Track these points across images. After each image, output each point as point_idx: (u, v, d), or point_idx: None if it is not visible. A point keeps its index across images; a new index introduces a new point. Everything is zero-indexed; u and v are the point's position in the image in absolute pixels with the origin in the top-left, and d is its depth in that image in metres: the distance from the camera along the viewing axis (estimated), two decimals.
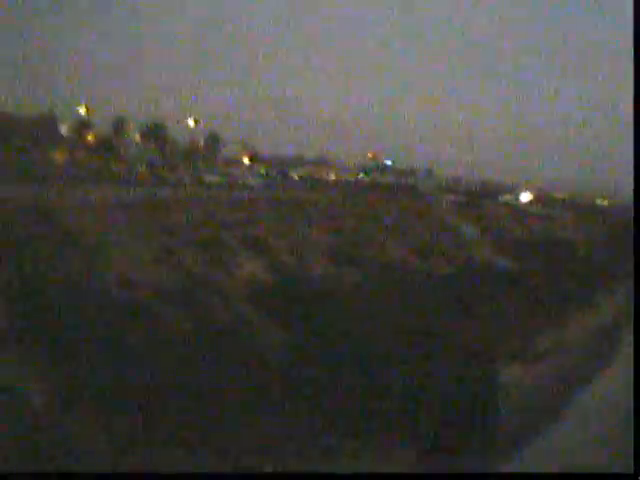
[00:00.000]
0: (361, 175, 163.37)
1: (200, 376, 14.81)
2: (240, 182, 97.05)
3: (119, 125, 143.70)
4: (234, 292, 26.44)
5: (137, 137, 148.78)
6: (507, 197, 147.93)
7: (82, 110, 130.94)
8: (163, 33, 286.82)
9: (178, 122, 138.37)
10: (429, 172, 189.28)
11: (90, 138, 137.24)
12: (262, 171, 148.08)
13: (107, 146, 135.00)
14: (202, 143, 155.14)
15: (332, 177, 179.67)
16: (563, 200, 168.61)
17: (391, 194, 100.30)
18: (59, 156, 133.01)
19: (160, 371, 15.82)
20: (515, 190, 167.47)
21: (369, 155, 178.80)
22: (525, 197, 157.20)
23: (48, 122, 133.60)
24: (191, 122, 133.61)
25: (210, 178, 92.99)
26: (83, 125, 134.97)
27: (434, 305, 26.25)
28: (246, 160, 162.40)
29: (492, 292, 27.00)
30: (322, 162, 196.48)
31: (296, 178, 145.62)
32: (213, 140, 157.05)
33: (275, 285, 33.49)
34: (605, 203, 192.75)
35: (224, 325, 17.46)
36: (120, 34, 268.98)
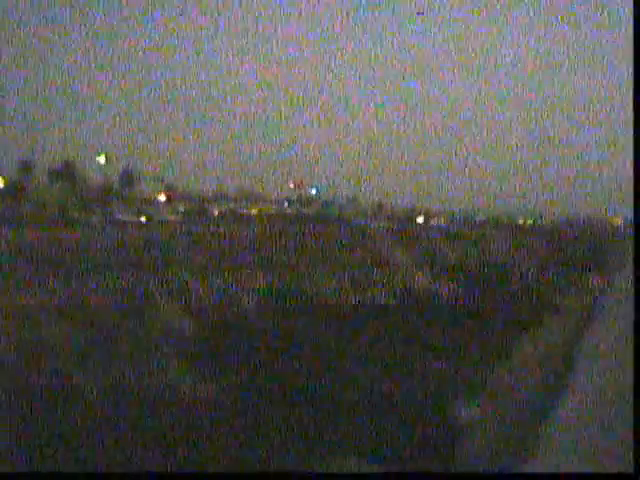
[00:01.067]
0: (285, 205, 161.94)
1: None
2: (156, 220, 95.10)
3: (25, 167, 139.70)
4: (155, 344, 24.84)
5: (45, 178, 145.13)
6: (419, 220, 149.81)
7: None
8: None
9: (87, 161, 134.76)
10: (353, 200, 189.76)
11: None
12: (180, 208, 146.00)
13: (14, 188, 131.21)
14: (115, 181, 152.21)
15: (254, 211, 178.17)
16: (485, 221, 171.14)
17: (317, 223, 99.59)
18: None
19: None
20: (428, 214, 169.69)
21: (291, 185, 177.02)
22: (421, 220, 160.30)
23: None
24: (102, 159, 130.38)
25: (124, 217, 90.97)
26: None
27: (375, 339, 25.54)
28: (162, 197, 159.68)
29: (436, 321, 25.87)
30: (244, 196, 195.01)
31: (215, 214, 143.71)
32: (127, 177, 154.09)
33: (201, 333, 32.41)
34: (528, 222, 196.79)
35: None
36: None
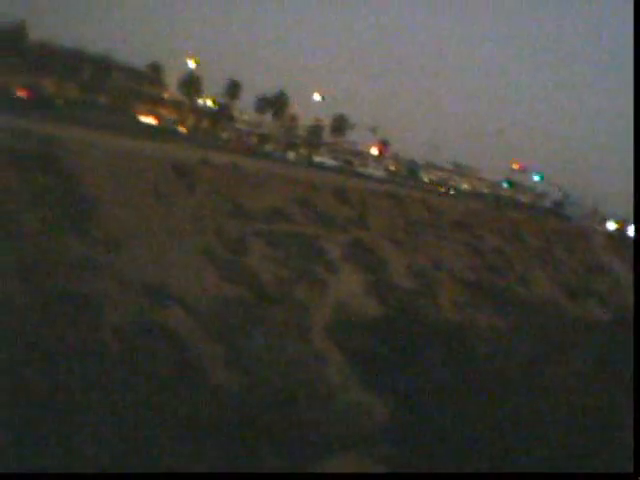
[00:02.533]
0: (505, 185, 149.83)
1: None
2: (360, 170, 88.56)
3: (233, 89, 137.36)
4: None
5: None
6: None
7: (191, 63, 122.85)
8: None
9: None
10: (579, 199, 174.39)
11: (200, 99, 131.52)
12: (389, 167, 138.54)
13: (219, 111, 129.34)
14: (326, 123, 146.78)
15: (465, 186, 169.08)
16: None
17: (539, 215, 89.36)
18: (165, 113, 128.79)
19: None
20: None
21: (514, 165, 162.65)
22: None
23: (154, 72, 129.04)
24: (317, 97, 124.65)
25: (325, 162, 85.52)
26: (193, 81, 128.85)
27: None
28: (374, 151, 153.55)
29: None
30: (456, 169, 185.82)
31: (426, 180, 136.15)
32: (340, 122, 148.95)
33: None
34: None
35: None
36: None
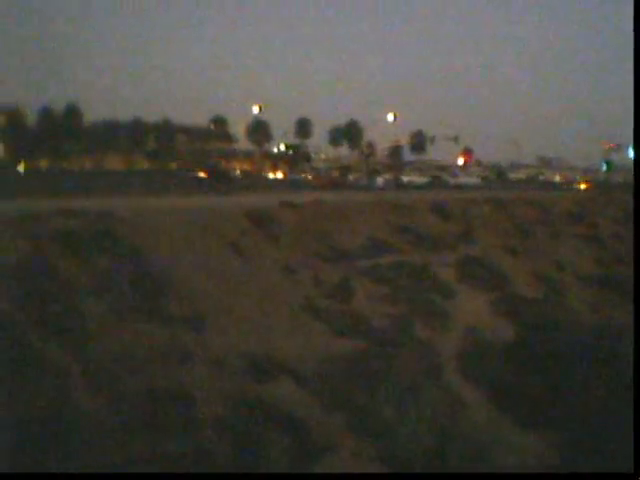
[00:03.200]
0: (604, 168, 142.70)
1: None
2: (453, 182, 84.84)
3: (304, 128, 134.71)
4: None
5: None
6: None
7: (255, 109, 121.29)
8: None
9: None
10: None
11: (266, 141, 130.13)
12: (476, 174, 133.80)
13: (293, 149, 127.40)
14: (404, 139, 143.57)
15: (557, 178, 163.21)
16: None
17: None
18: (241, 166, 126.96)
19: None
20: None
21: (606, 146, 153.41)
22: None
23: (218, 126, 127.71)
24: (390, 117, 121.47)
25: (415, 179, 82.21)
26: (260, 127, 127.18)
27: None
28: (460, 160, 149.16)
29: None
30: (543, 164, 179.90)
31: (516, 179, 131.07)
32: (419, 137, 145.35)
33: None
34: None
35: None
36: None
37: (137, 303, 21.45)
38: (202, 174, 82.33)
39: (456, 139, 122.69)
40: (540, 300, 36.90)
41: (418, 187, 72.74)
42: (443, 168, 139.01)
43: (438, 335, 28.37)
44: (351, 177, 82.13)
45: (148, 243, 24.31)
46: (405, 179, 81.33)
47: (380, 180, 72.20)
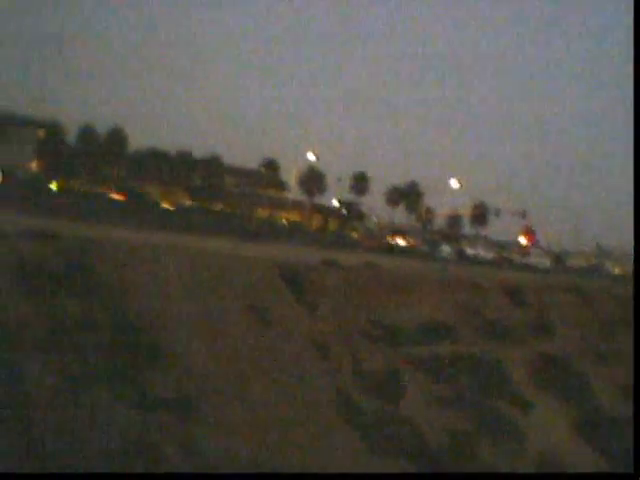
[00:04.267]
0: None
1: None
2: (521, 261, 78.59)
3: (361, 183, 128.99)
4: None
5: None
6: None
7: (311, 156, 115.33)
8: None
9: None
10: None
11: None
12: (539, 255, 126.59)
13: (346, 206, 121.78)
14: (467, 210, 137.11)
15: (617, 270, 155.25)
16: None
17: None
18: (290, 216, 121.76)
19: None
20: None
21: None
22: None
23: (269, 170, 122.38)
24: (455, 183, 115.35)
25: (480, 253, 76.27)
26: (314, 176, 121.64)
27: None
28: (522, 240, 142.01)
29: None
30: (601, 253, 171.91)
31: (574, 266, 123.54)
32: (482, 209, 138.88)
33: None
34: None
35: None
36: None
37: (108, 374, 15.79)
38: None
39: (524, 214, 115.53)
40: (629, 420, 30.35)
41: (483, 262, 66.62)
42: (502, 245, 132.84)
43: (507, 461, 22.04)
44: (410, 242, 75.87)
45: (139, 294, 18.60)
46: (470, 252, 75.09)
47: (446, 249, 65.53)
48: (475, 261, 67.19)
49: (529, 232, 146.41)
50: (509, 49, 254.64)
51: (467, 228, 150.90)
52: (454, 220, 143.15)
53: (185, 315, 18.69)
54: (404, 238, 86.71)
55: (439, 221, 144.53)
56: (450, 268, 43.86)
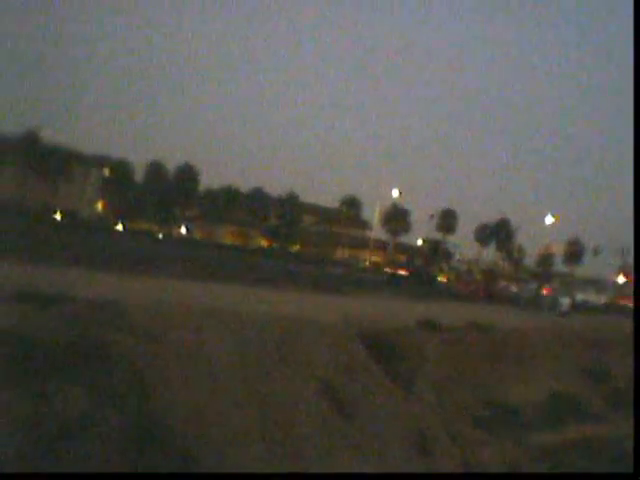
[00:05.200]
0: None
1: None
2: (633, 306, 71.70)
3: (448, 219, 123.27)
4: None
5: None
6: None
7: (395, 192, 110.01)
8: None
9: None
10: None
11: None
12: None
13: (433, 246, 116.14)
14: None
15: None
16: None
17: None
18: (372, 257, 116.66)
19: None
20: None
21: None
22: None
23: (349, 208, 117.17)
24: (549, 220, 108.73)
25: (591, 298, 69.83)
26: (398, 214, 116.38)
27: None
28: (620, 279, 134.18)
29: None
30: None
31: None
32: (576, 246, 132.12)
33: None
34: None
35: None
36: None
37: None
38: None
39: (625, 252, 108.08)
40: None
41: (594, 309, 60.28)
42: (600, 284, 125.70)
43: None
44: (512, 287, 69.33)
45: (172, 380, 13.96)
46: (579, 296, 68.23)
47: (565, 302, 58.01)
48: (588, 308, 60.87)
49: (628, 270, 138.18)
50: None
51: (559, 266, 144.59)
52: (546, 258, 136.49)
53: (235, 410, 13.90)
54: (514, 282, 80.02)
55: (528, 260, 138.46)
56: (561, 320, 38.32)
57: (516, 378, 22.46)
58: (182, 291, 21.23)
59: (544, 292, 60.11)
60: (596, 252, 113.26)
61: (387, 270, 80.00)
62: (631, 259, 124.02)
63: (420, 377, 19.51)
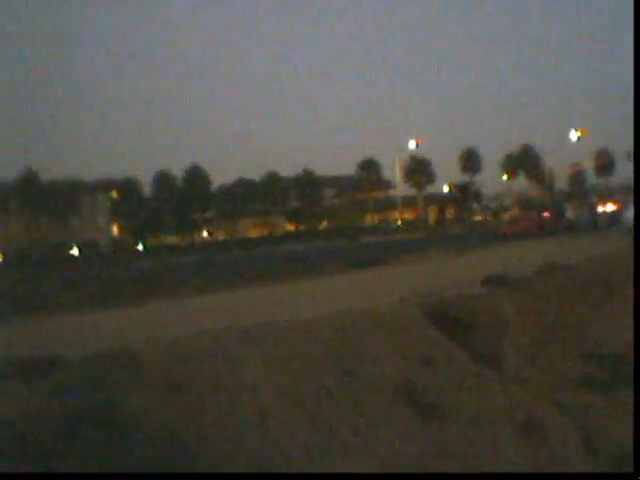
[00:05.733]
0: None
1: None
2: None
3: (471, 159, 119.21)
4: None
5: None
6: None
7: (412, 144, 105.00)
8: None
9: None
10: None
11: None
12: None
13: (461, 190, 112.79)
14: None
15: None
16: None
17: None
18: (401, 215, 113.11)
19: None
20: None
21: None
22: None
23: (368, 171, 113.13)
24: (574, 135, 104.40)
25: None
26: (420, 166, 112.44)
27: None
28: None
29: None
30: None
31: None
32: (606, 157, 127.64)
33: None
34: None
35: None
36: None
37: None
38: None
39: None
40: None
41: None
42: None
43: None
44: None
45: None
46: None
47: (628, 216, 52.88)
48: None
49: None
50: None
51: (593, 180, 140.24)
52: (577, 176, 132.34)
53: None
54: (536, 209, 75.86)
55: (560, 182, 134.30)
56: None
57: (618, 322, 18.96)
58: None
59: (602, 211, 56.39)
60: (630, 158, 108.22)
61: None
62: None
63: (509, 348, 16.10)
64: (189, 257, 64.71)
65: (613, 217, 54.59)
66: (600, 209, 59.89)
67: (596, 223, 53.24)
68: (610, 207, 59.90)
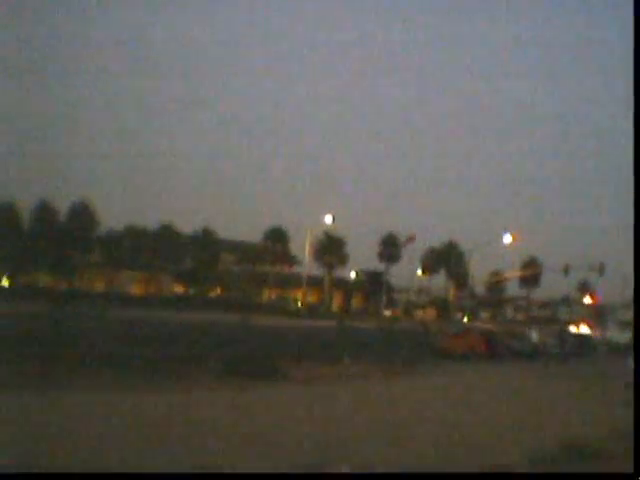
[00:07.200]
0: None
1: None
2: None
3: (390, 247, 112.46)
4: None
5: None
6: None
7: (329, 218, 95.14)
8: None
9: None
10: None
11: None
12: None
13: (373, 278, 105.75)
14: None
15: None
16: None
17: None
18: (304, 296, 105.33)
19: None
20: None
21: None
22: None
23: (275, 242, 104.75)
24: (507, 239, 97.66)
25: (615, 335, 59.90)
26: (332, 244, 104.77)
27: None
28: (587, 299, 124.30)
29: None
30: None
31: None
32: (535, 267, 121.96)
33: None
34: None
35: None
36: None
37: None
38: None
39: (601, 269, 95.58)
40: None
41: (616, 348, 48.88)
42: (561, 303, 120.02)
43: None
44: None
45: None
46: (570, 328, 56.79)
47: (622, 337, 45.43)
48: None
49: (593, 293, 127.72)
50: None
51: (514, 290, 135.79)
52: (496, 284, 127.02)
53: None
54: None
55: (480, 287, 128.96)
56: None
57: None
58: None
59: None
60: (566, 271, 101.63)
61: None
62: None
63: None
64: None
65: (586, 343, 48.21)
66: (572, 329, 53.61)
67: (564, 349, 45.85)
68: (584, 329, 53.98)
